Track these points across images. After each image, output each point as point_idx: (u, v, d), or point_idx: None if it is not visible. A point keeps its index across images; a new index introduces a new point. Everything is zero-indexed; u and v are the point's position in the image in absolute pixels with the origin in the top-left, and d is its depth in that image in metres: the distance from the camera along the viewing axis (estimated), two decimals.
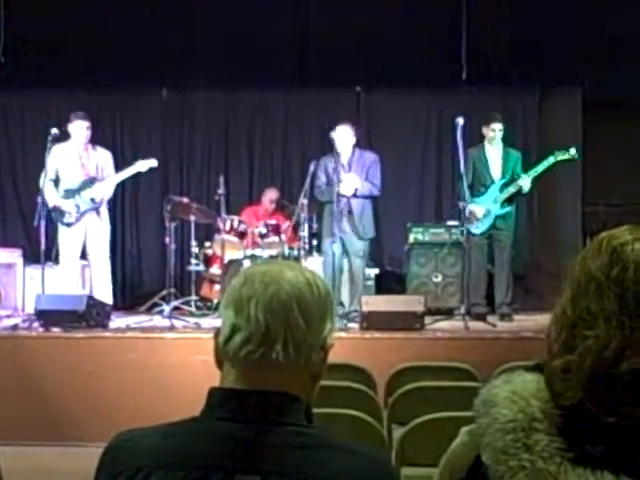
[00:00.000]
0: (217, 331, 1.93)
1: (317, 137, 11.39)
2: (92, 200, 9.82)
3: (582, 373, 1.62)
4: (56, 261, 9.97)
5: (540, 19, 10.82)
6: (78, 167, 9.93)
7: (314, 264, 10.02)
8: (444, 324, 9.20)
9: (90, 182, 9.87)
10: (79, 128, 9.91)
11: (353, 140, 9.92)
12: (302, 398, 1.89)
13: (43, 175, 9.60)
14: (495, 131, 10.08)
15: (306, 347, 1.87)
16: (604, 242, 1.71)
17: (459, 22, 10.91)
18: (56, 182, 9.89)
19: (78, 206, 9.80)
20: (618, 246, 1.69)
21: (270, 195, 11.55)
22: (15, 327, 8.89)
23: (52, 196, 9.75)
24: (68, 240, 9.84)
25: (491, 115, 10.20)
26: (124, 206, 11.54)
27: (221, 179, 10.37)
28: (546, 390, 1.67)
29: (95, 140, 10.18)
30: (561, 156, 10.00)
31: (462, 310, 9.27)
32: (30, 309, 9.45)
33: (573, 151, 10.01)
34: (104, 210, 10.06)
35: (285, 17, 11.38)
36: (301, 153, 12.01)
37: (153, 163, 10.12)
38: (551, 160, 9.98)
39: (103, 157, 10.11)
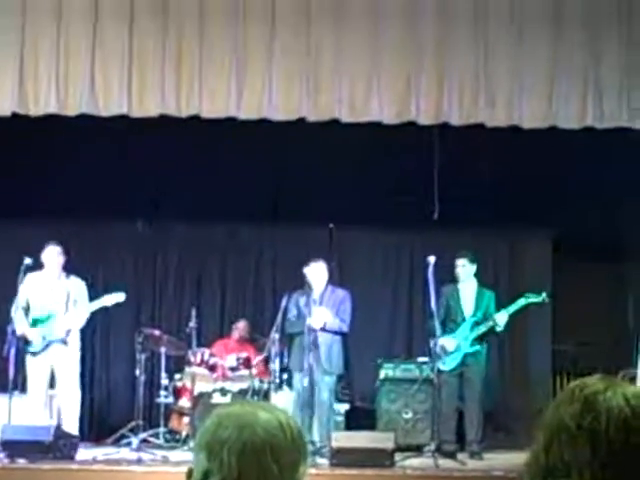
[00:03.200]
0: (189, 471, 1.91)
1: (289, 271, 11.37)
2: (58, 331, 9.76)
3: None
4: (23, 390, 9.81)
5: (512, 162, 11.01)
6: (48, 296, 9.85)
7: (284, 398, 9.94)
8: (414, 461, 9.12)
9: (59, 312, 9.81)
10: (52, 254, 9.86)
11: (326, 276, 9.97)
12: None
13: (14, 303, 9.58)
14: (458, 267, 10.22)
15: None
16: (576, 391, 1.71)
17: (431, 162, 11.07)
18: (27, 310, 9.83)
19: (44, 336, 9.73)
20: (590, 395, 1.68)
21: (240, 328, 11.53)
22: None
23: (21, 324, 9.68)
24: (35, 369, 9.71)
25: (458, 252, 10.34)
26: (94, 335, 11.43)
27: (193, 312, 10.35)
28: None
29: (67, 269, 10.09)
30: (532, 299, 10.17)
31: (432, 447, 9.22)
32: None
33: (544, 295, 10.20)
34: (74, 340, 9.92)
35: (261, 153, 11.51)
36: (273, 287, 12.06)
37: (120, 298, 9.96)
38: (522, 302, 10.13)
39: (76, 286, 10.01)
